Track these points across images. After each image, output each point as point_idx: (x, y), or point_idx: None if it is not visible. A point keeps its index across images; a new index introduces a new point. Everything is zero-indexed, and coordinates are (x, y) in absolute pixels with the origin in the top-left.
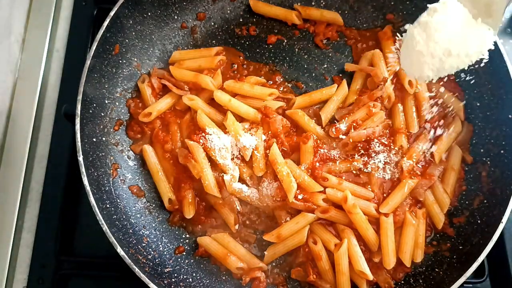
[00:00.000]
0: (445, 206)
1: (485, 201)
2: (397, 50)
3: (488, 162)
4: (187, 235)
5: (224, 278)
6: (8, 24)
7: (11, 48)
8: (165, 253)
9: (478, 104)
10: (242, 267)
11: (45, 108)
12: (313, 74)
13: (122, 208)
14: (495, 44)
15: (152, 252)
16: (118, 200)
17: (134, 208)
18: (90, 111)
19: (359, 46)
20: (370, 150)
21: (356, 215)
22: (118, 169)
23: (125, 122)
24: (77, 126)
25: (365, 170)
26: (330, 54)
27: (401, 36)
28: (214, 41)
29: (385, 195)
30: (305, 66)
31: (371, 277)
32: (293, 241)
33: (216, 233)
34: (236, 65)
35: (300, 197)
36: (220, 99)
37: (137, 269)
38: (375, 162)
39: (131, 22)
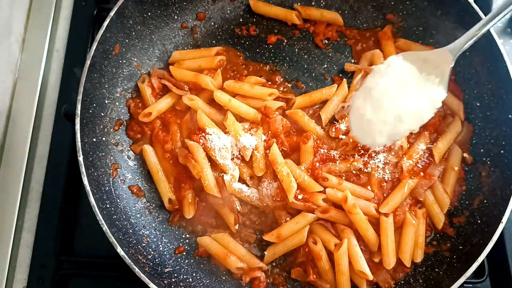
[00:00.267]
0: (445, 206)
1: (485, 201)
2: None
3: (488, 162)
4: (187, 235)
5: (224, 278)
6: (8, 24)
7: (11, 48)
8: (165, 253)
9: (478, 104)
10: (242, 267)
11: (45, 108)
12: (313, 74)
13: (122, 208)
14: (495, 44)
15: (152, 252)
16: (118, 200)
17: (134, 208)
18: (90, 111)
19: (359, 46)
20: (370, 150)
21: (356, 215)
22: (118, 169)
23: (125, 122)
24: (77, 126)
25: (365, 170)
26: (330, 54)
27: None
28: (214, 41)
29: (385, 195)
30: (305, 66)
31: (371, 277)
32: (293, 241)
33: (216, 233)
34: (236, 65)
35: (300, 197)
36: (220, 99)
37: (137, 269)
38: (375, 162)
39: (131, 22)
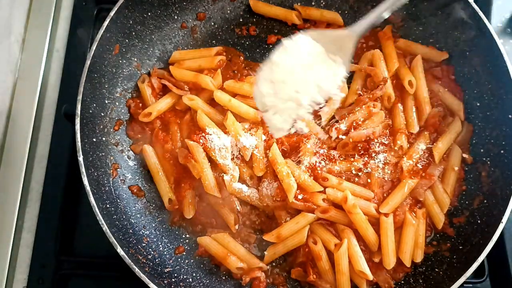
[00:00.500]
0: (445, 206)
1: (485, 201)
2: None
3: (488, 162)
4: (187, 235)
5: (224, 278)
6: (8, 24)
7: (11, 48)
8: (165, 253)
9: (478, 104)
10: (242, 267)
11: (45, 108)
12: None
13: (122, 208)
14: (495, 44)
15: (152, 252)
16: (118, 200)
17: (134, 208)
18: (90, 111)
19: (359, 46)
20: (370, 150)
21: (356, 215)
22: (118, 169)
23: (125, 122)
24: (77, 126)
25: (365, 170)
26: None
27: None
28: (214, 41)
29: (385, 195)
30: None
31: (371, 277)
32: (293, 241)
33: (216, 233)
34: (236, 65)
35: (300, 197)
36: (220, 99)
37: (137, 269)
38: (375, 162)
39: (131, 22)
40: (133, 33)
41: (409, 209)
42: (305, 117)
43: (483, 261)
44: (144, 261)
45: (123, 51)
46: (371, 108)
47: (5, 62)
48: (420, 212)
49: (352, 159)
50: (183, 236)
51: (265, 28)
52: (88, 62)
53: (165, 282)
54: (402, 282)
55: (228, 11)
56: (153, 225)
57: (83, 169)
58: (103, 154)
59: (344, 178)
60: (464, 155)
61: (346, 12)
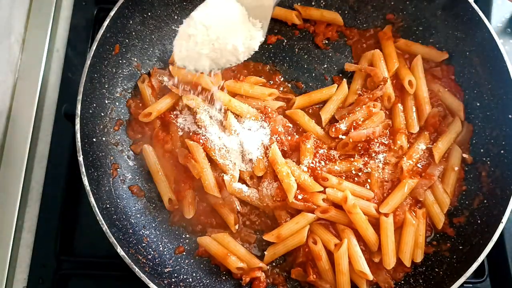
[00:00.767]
0: (445, 206)
1: (485, 201)
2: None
3: (488, 162)
4: (187, 235)
5: (224, 278)
6: (8, 24)
7: (11, 48)
8: (165, 253)
9: (478, 104)
10: (242, 267)
11: (45, 108)
12: (313, 74)
13: (122, 208)
14: (495, 44)
15: (152, 252)
16: (118, 200)
17: (134, 208)
18: (90, 111)
19: (359, 46)
20: (370, 150)
21: (356, 215)
22: (118, 169)
23: (125, 122)
24: (77, 126)
25: (365, 170)
26: (330, 54)
27: None
28: None
29: (385, 195)
30: (305, 66)
31: (371, 277)
32: (293, 241)
33: (216, 233)
34: (236, 65)
35: (300, 197)
36: (220, 99)
37: (137, 269)
38: (375, 162)
39: (131, 22)
40: (133, 33)
41: (409, 209)
42: (213, 72)
43: (483, 261)
44: (144, 261)
45: (123, 51)
46: (371, 108)
47: (5, 62)
48: (420, 212)
49: (352, 159)
50: (183, 236)
51: None
52: (88, 62)
53: (165, 282)
54: (402, 282)
55: None
56: (153, 225)
57: (83, 169)
58: (103, 154)
59: (344, 178)
60: (464, 155)
61: (346, 12)
